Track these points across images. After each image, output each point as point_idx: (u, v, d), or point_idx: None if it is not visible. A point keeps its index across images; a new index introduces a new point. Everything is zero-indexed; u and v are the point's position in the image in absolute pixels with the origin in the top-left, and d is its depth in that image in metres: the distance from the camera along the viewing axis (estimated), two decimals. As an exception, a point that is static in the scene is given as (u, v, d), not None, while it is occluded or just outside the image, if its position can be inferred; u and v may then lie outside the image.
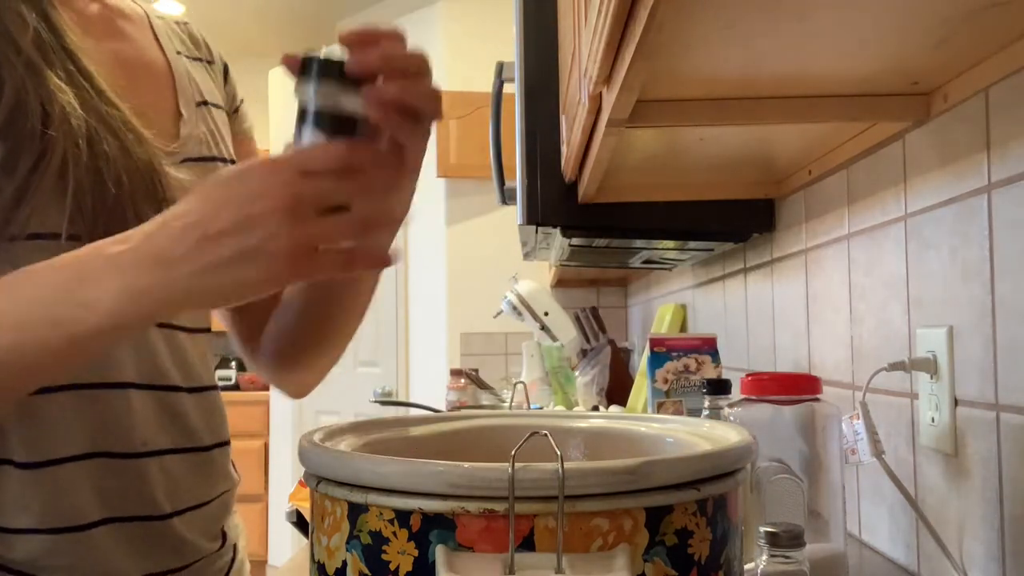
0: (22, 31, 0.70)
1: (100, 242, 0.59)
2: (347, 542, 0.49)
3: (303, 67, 0.63)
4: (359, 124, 0.60)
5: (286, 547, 4.53)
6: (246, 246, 0.55)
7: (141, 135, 0.73)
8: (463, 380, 2.60)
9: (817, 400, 0.90)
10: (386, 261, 0.60)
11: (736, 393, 0.95)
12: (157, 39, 0.86)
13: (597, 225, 1.50)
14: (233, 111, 0.93)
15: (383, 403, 3.13)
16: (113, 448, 0.73)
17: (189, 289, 0.56)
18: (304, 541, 1.01)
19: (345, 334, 0.86)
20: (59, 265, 0.59)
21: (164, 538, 0.77)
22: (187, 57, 0.88)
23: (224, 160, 0.85)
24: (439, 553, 0.45)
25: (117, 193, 0.70)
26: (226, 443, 0.84)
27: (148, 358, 0.76)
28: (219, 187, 0.57)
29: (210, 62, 0.92)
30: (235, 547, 0.87)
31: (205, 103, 0.86)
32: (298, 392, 0.93)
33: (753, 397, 0.90)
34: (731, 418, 0.90)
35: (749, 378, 0.91)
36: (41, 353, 0.59)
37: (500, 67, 1.93)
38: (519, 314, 2.87)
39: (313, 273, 0.58)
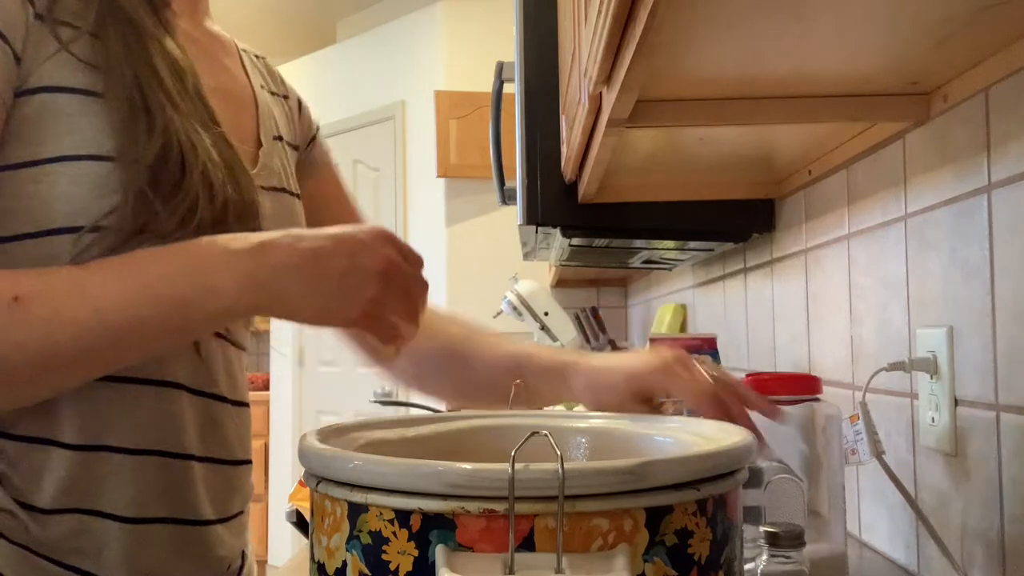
0: (170, 70, 0.74)
1: (215, 237, 0.67)
2: (347, 542, 0.49)
3: None
4: None
5: (286, 547, 4.53)
6: (345, 284, 0.67)
7: (251, 177, 0.79)
8: (463, 380, 2.59)
9: (818, 400, 0.89)
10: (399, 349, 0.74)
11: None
12: (245, 69, 0.90)
13: (597, 225, 1.50)
14: (310, 140, 0.98)
15: (383, 403, 3.13)
16: (161, 446, 0.74)
17: (287, 297, 0.66)
18: (304, 541, 1.01)
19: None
20: (176, 252, 0.66)
21: (195, 544, 0.77)
22: (267, 91, 0.92)
23: (292, 194, 0.88)
24: (439, 553, 0.45)
25: (229, 220, 0.75)
26: (249, 462, 0.86)
27: (202, 365, 0.78)
28: (342, 231, 0.68)
29: (285, 97, 0.96)
30: (243, 552, 0.87)
31: (280, 138, 0.90)
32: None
33: None
34: None
35: (750, 378, 0.91)
36: (159, 331, 0.66)
37: (500, 67, 1.93)
38: (519, 314, 2.87)
39: (372, 329, 0.70)
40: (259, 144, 0.85)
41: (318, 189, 0.97)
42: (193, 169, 0.72)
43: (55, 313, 0.62)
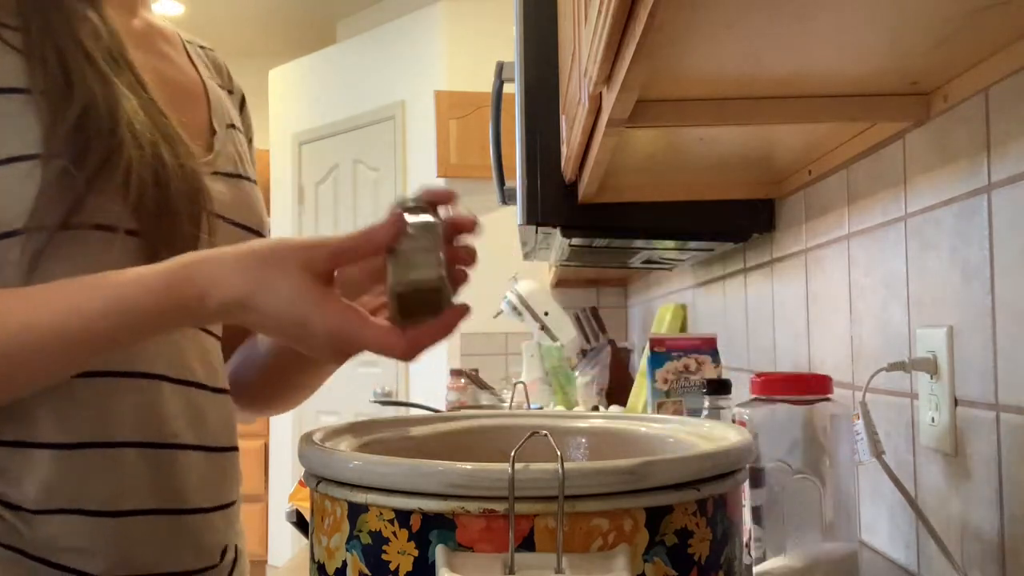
0: (94, 40, 0.74)
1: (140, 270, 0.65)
2: (347, 542, 0.49)
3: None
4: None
5: (286, 547, 4.53)
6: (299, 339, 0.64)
7: (188, 146, 0.77)
8: (463, 380, 2.60)
9: (828, 400, 0.89)
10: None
11: (744, 393, 0.95)
12: (192, 60, 0.89)
13: (597, 225, 1.50)
14: (248, 141, 0.96)
15: (383, 403, 3.13)
16: (145, 438, 0.74)
17: (215, 276, 0.63)
18: (304, 541, 1.01)
19: (296, 400, 0.94)
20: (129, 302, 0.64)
21: (188, 535, 0.78)
22: (215, 83, 0.92)
23: (249, 179, 0.88)
24: (439, 553, 0.45)
25: (173, 196, 0.74)
26: (236, 449, 0.85)
27: (177, 353, 0.78)
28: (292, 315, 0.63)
29: (230, 91, 0.95)
30: (236, 547, 0.87)
31: (233, 126, 0.89)
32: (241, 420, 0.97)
33: (763, 397, 0.90)
34: (744, 417, 0.90)
35: (761, 378, 0.91)
36: (92, 350, 0.64)
37: (500, 67, 1.93)
38: (519, 314, 2.87)
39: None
40: (212, 132, 0.85)
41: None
42: (120, 132, 0.71)
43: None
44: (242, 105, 0.97)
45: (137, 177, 0.71)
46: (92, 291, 0.63)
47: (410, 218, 0.64)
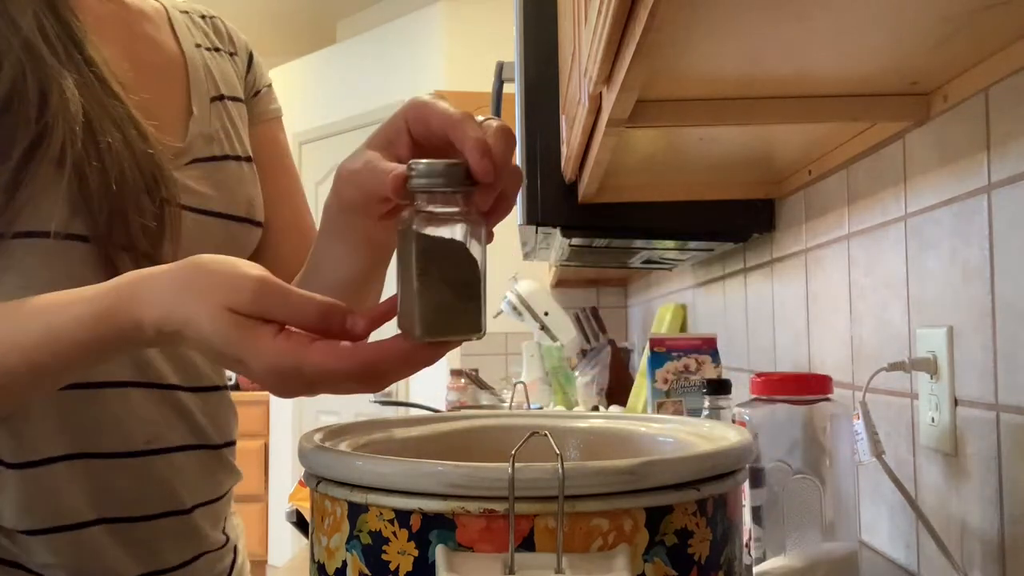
0: (22, 11, 0.68)
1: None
2: (347, 542, 0.49)
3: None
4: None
5: (286, 547, 4.53)
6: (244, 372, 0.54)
7: (144, 130, 0.71)
8: (463, 380, 2.60)
9: (828, 400, 0.89)
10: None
11: (744, 393, 0.95)
12: (175, 33, 0.84)
13: (597, 225, 1.50)
14: (254, 94, 0.91)
15: (383, 403, 3.13)
16: (105, 448, 0.73)
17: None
18: (304, 541, 1.01)
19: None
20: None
21: (175, 533, 0.77)
22: (208, 49, 0.87)
23: (237, 158, 0.83)
24: (439, 553, 0.45)
25: (119, 188, 0.68)
26: (233, 443, 0.85)
27: (142, 358, 0.75)
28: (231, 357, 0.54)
29: (233, 54, 0.90)
30: (236, 548, 0.87)
31: (221, 97, 0.85)
32: None
33: (763, 397, 0.90)
34: (745, 417, 0.90)
35: (761, 378, 0.91)
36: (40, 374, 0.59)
37: (500, 67, 1.93)
38: (519, 314, 2.87)
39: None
40: (189, 112, 0.80)
41: (255, 142, 0.89)
42: (53, 113, 0.65)
43: None
44: (249, 63, 0.91)
45: (72, 166, 0.65)
46: (27, 321, 0.58)
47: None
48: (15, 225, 0.66)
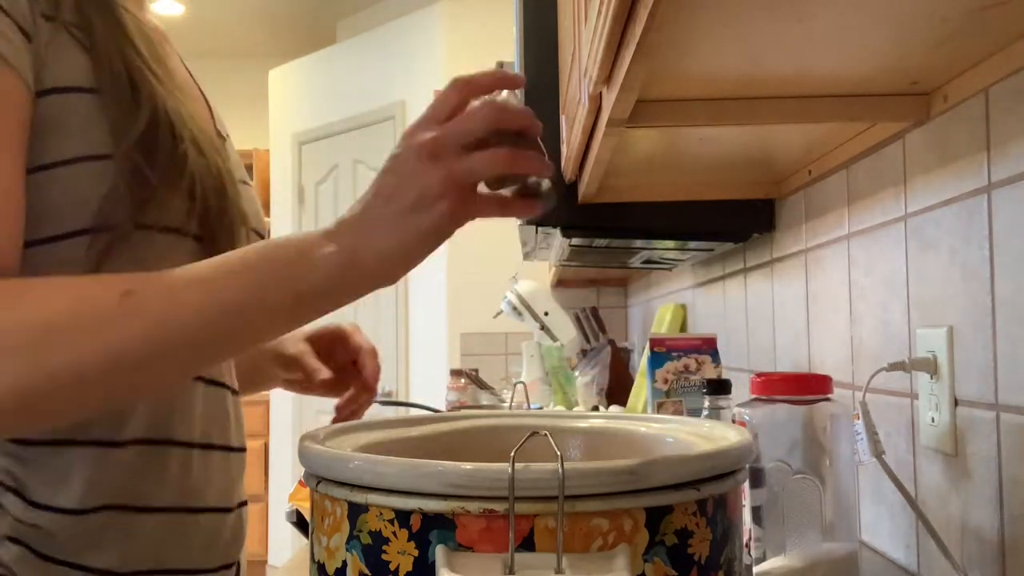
0: (145, 43, 0.75)
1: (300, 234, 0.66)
2: (347, 542, 0.49)
3: None
4: None
5: (286, 547, 4.53)
6: (409, 197, 0.62)
7: (227, 156, 0.81)
8: (463, 380, 2.59)
9: (828, 400, 0.89)
10: (535, 208, 0.67)
11: (744, 393, 0.95)
12: (182, 61, 0.89)
13: (597, 225, 1.50)
14: None
15: (383, 403, 3.12)
16: (176, 436, 0.75)
17: (380, 250, 0.63)
18: (304, 541, 1.01)
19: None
20: (274, 245, 0.65)
21: (214, 532, 0.79)
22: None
23: (249, 184, 0.90)
24: (439, 553, 0.45)
25: (231, 205, 0.77)
26: (245, 449, 0.86)
27: (191, 414, 0.78)
28: (384, 166, 0.65)
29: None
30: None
31: (226, 136, 0.90)
32: None
33: (763, 397, 0.90)
34: (745, 417, 0.90)
35: (761, 378, 0.91)
36: (270, 315, 0.64)
37: (500, 67, 1.93)
38: (519, 314, 2.87)
39: (474, 212, 0.64)
40: (221, 137, 0.86)
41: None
42: (184, 135, 0.73)
43: (170, 299, 0.61)
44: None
45: (201, 185, 0.74)
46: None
47: None
48: (159, 221, 0.72)
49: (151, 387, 0.68)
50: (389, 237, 0.63)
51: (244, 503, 0.85)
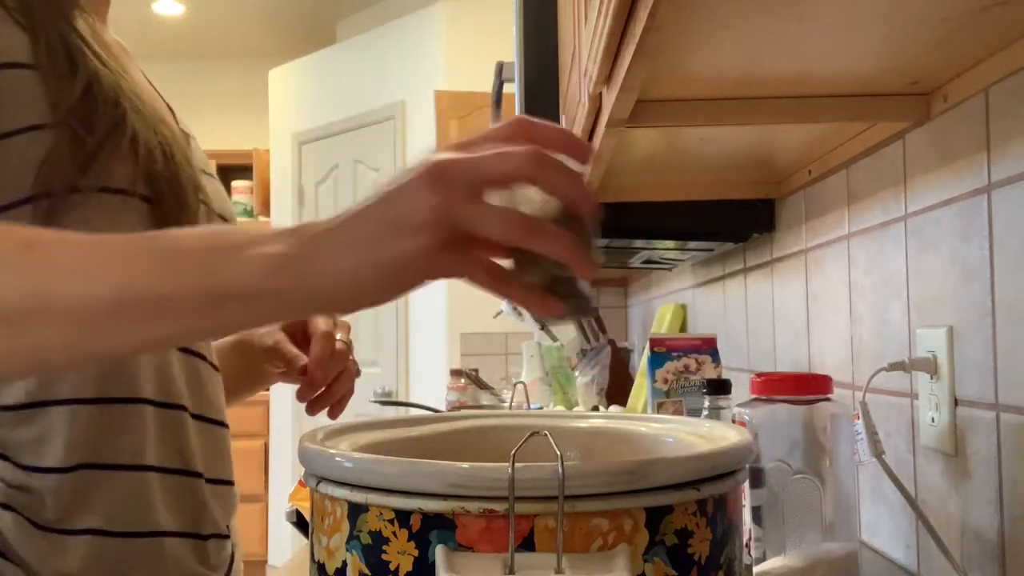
0: (90, 33, 0.77)
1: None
2: (347, 542, 0.49)
3: None
4: None
5: (286, 547, 4.53)
6: (386, 216, 0.50)
7: (178, 130, 0.81)
8: (463, 380, 2.59)
9: (828, 400, 0.89)
10: (552, 310, 0.52)
11: (744, 393, 0.95)
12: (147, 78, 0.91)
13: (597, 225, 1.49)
14: None
15: (383, 403, 3.13)
16: (145, 395, 0.77)
17: (329, 268, 0.51)
18: (304, 541, 1.01)
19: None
20: (220, 229, 0.64)
21: (191, 497, 0.80)
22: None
23: (213, 177, 0.91)
24: (439, 553, 0.45)
25: (179, 167, 0.77)
26: (231, 483, 0.87)
27: (164, 376, 0.79)
28: (392, 176, 0.52)
29: None
30: (232, 544, 0.87)
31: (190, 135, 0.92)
32: None
33: (763, 397, 0.90)
34: (745, 417, 0.90)
35: (761, 378, 0.91)
36: (177, 307, 0.52)
37: (500, 67, 1.93)
38: (519, 314, 2.87)
39: (464, 268, 0.51)
40: (187, 137, 0.88)
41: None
42: (123, 104, 0.74)
43: (76, 257, 0.53)
44: None
45: (144, 146, 0.74)
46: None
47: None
48: (99, 181, 0.72)
49: (32, 352, 0.55)
50: (344, 255, 0.50)
51: (230, 483, 0.85)
